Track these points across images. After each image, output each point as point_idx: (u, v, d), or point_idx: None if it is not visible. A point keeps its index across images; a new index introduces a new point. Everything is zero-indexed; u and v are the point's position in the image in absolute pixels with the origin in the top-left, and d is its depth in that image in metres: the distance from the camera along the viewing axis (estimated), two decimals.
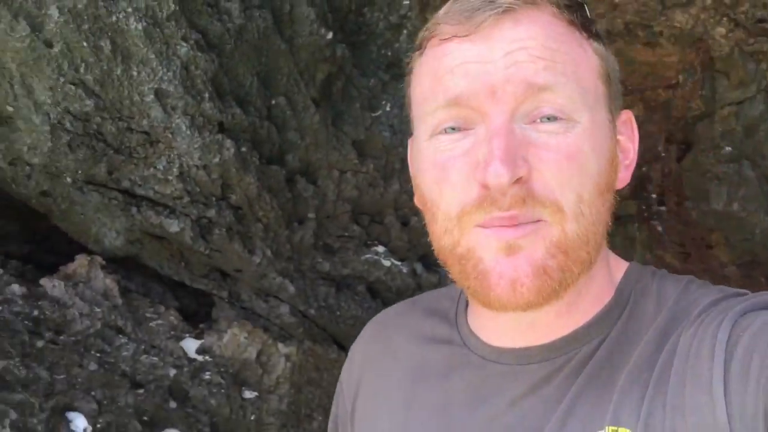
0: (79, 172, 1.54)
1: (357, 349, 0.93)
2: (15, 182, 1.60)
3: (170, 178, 1.53)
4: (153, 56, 1.33)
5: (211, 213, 1.63)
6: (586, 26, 0.70)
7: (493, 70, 0.65)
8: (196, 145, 1.48)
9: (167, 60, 1.35)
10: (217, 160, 1.52)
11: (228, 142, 1.51)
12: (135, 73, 1.35)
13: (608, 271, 0.76)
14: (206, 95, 1.44)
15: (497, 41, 0.65)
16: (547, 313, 0.70)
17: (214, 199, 1.63)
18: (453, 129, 0.67)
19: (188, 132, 1.45)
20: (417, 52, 0.73)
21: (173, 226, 1.62)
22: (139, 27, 1.29)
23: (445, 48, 0.68)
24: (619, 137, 0.73)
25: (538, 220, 0.65)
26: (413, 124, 0.76)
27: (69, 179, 1.57)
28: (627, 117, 0.76)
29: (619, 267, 0.78)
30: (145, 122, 1.43)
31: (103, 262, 1.75)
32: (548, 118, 0.65)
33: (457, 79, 0.66)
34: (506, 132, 0.63)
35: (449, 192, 0.67)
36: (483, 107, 0.65)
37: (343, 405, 0.90)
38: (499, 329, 0.74)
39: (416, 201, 0.75)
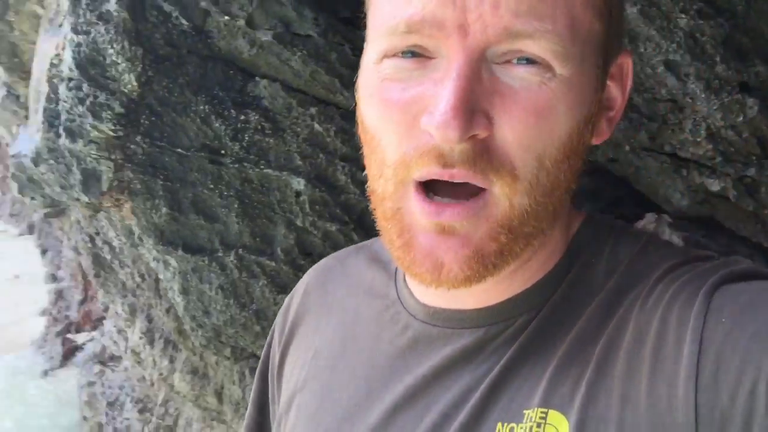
0: (632, 140, 1.80)
1: (294, 296, 0.85)
2: None
3: (699, 139, 1.65)
4: (654, 32, 1.51)
5: (752, 171, 1.66)
6: None
7: None
8: (714, 107, 1.56)
9: (669, 33, 1.51)
10: (741, 119, 1.56)
11: (750, 101, 1.54)
12: (642, 50, 1.55)
13: (564, 228, 0.66)
14: (717, 59, 1.52)
15: None
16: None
17: (753, 158, 1.65)
18: (411, 54, 0.56)
19: (703, 95, 1.56)
20: None
21: (714, 185, 1.72)
22: (635, 10, 1.49)
23: None
24: (609, 83, 0.62)
25: (484, 190, 0.56)
26: (366, 33, 0.63)
27: (627, 147, 1.85)
28: (623, 60, 0.64)
29: (575, 220, 0.67)
30: (664, 91, 1.61)
31: (671, 220, 1.95)
32: (526, 60, 0.54)
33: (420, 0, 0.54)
34: (468, 76, 0.52)
35: (391, 135, 0.57)
36: (448, 39, 0.53)
37: (272, 356, 0.84)
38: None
39: (359, 129, 0.64)
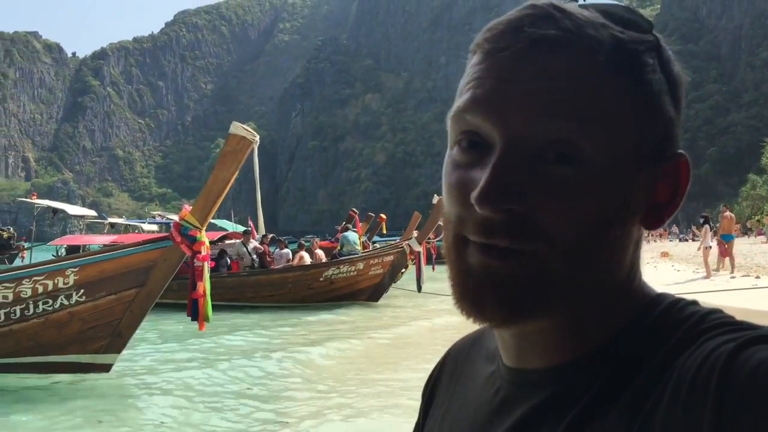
0: None
1: (438, 364, 0.91)
2: None
3: None
4: None
5: None
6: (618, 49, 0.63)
7: (510, 89, 0.62)
8: None
9: None
10: None
11: None
12: None
13: (629, 304, 0.68)
14: None
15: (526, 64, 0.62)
16: (536, 332, 0.67)
17: None
18: (472, 145, 0.65)
19: None
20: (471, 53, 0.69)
21: None
22: None
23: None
24: (660, 182, 0.66)
25: (523, 252, 0.62)
26: None
27: None
28: (676, 162, 0.66)
29: (643, 296, 0.68)
30: None
31: None
32: (557, 154, 0.62)
33: (479, 87, 0.64)
34: (504, 164, 0.62)
35: (452, 209, 0.67)
36: (494, 130, 0.63)
37: (420, 412, 0.90)
38: (504, 344, 0.72)
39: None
